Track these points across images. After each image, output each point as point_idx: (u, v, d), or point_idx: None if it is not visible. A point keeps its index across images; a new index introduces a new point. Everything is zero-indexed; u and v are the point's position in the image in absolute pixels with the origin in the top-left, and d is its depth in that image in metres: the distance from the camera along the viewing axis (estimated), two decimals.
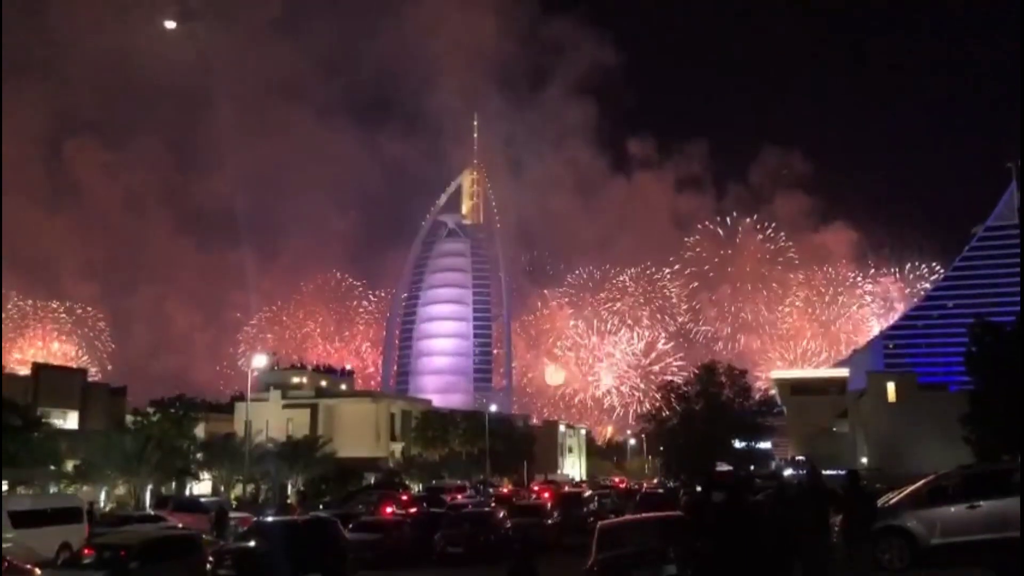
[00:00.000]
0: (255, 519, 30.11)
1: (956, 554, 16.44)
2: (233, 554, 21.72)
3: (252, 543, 22.69)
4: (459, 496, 49.64)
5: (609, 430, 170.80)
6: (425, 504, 42.26)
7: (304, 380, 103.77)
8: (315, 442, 66.76)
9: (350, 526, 27.97)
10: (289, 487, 61.52)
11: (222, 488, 59.73)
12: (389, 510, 37.34)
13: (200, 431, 60.95)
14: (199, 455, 57.14)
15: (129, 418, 55.63)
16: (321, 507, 44.47)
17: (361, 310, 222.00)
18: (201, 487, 60.65)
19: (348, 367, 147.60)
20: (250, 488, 58.67)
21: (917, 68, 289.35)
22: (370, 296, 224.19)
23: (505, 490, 61.47)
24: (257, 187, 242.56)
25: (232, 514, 36.47)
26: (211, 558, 20.99)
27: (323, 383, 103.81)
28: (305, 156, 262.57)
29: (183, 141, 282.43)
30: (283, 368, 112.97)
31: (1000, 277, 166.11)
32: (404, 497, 48.81)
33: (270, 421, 70.79)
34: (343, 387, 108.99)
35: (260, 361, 72.84)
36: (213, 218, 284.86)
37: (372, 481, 65.89)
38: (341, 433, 76.85)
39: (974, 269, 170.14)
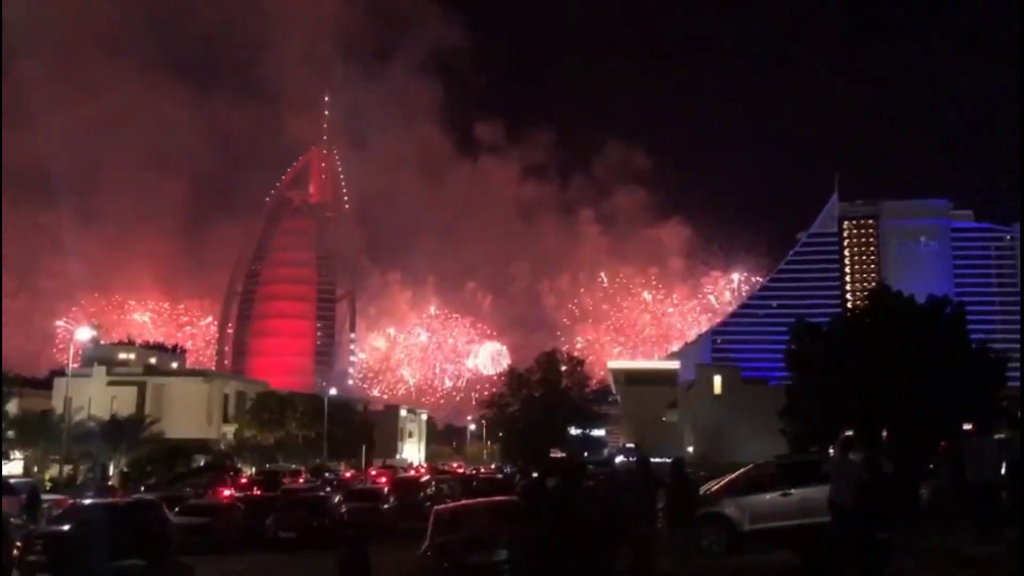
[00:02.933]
0: (71, 501, 28.41)
1: (769, 539, 17.48)
2: (44, 539, 20.37)
3: (66, 527, 21.38)
4: (299, 480, 48.71)
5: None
6: (256, 488, 41.17)
7: (132, 356, 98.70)
8: (141, 421, 63.90)
9: (176, 509, 26.88)
10: (111, 468, 58.57)
11: (35, 468, 56.14)
12: (227, 492, 36.17)
13: (13, 407, 57.08)
14: (10, 432, 53.49)
15: None
16: (143, 489, 42.59)
17: (197, 284, 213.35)
18: (12, 467, 56.75)
19: (180, 344, 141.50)
20: (68, 469, 55.42)
21: (758, 78, 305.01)
22: (207, 270, 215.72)
23: (348, 475, 60.83)
24: (76, 147, 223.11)
25: (46, 496, 34.29)
26: (19, 543, 19.65)
27: (152, 360, 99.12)
28: (129, 116, 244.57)
29: None
30: (109, 343, 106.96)
31: (820, 280, 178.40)
32: (243, 480, 47.47)
33: (93, 398, 67.14)
34: (174, 365, 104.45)
35: (84, 334, 68.63)
36: (25, 177, 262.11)
37: (202, 463, 63.71)
38: (171, 413, 73.88)
39: (797, 272, 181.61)
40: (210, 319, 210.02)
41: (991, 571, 12.86)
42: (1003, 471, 15.46)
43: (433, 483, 44.41)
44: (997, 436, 20.29)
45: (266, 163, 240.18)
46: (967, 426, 23.62)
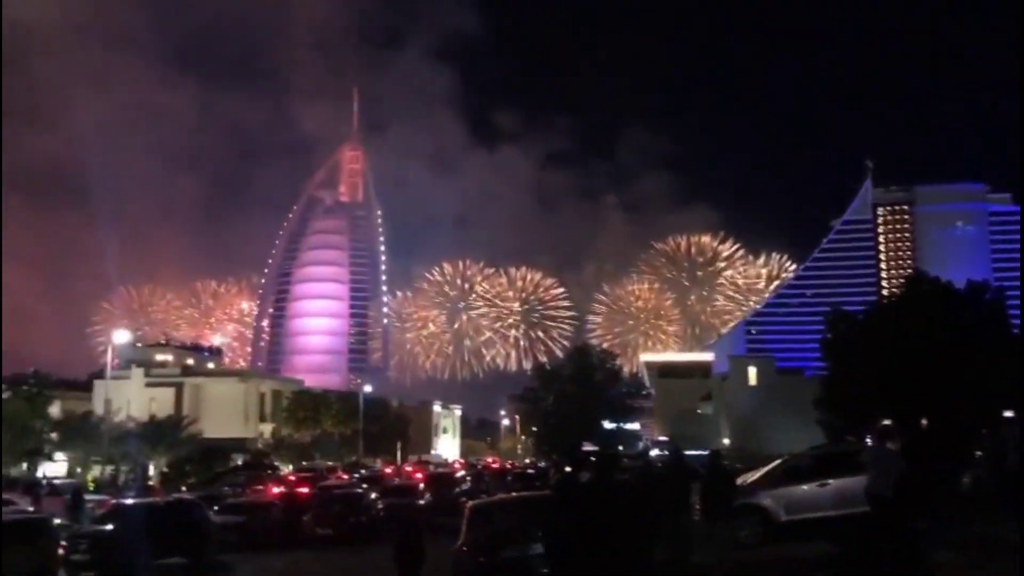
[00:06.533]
0: (114, 502, 28.90)
1: (806, 530, 17.33)
2: (88, 538, 20.79)
3: (109, 527, 21.78)
4: (343, 476, 49.07)
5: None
6: (302, 485, 41.48)
7: (169, 358, 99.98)
8: (180, 422, 64.75)
9: (215, 508, 27.23)
10: (151, 468, 59.42)
11: (78, 469, 57.13)
12: (276, 490, 36.60)
13: (55, 410, 58.08)
14: (53, 435, 54.40)
15: None
16: (184, 488, 43.16)
17: (228, 285, 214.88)
18: (56, 468, 57.78)
19: (216, 345, 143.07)
20: (109, 469, 56.33)
21: (787, 60, 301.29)
22: (237, 272, 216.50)
23: (387, 470, 61.25)
24: (93, 144, 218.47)
25: (89, 497, 34.89)
26: (65, 543, 20.03)
27: (189, 361, 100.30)
28: (142, 114, 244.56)
29: (8, 90, 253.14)
30: (146, 345, 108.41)
31: (855, 268, 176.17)
32: (291, 477, 47.75)
33: (132, 400, 68.18)
34: (211, 366, 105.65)
35: (122, 336, 69.65)
36: (44, 177, 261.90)
37: (240, 462, 64.42)
38: (208, 413, 74.77)
39: (831, 260, 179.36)
40: (247, 306, 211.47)
41: None
42: None
43: (468, 478, 44.59)
44: None
45: (279, 155, 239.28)
46: (1008, 413, 23.27)
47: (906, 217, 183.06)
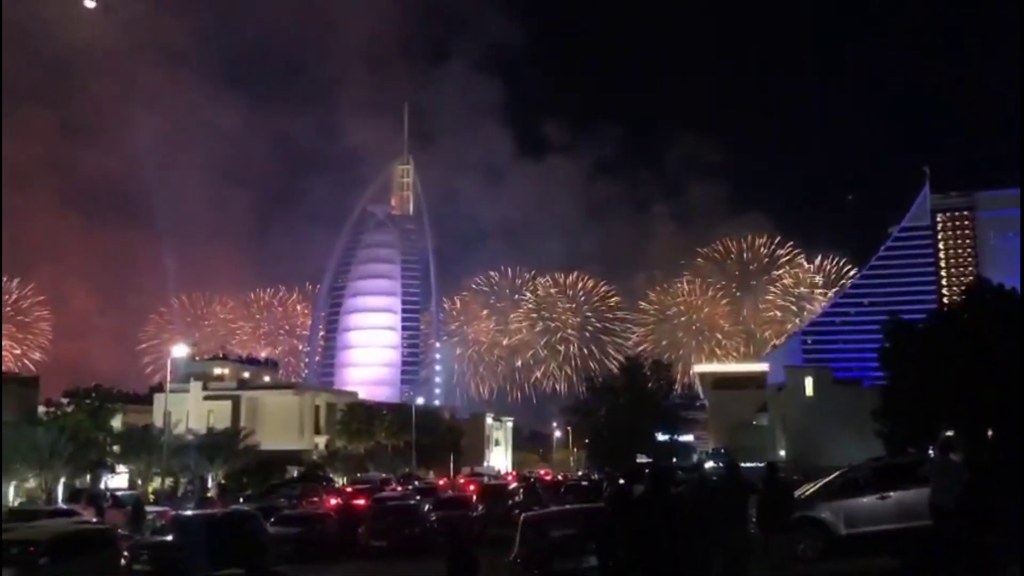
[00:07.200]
0: (173, 513, 29.44)
1: (866, 543, 16.98)
2: (150, 549, 21.22)
3: (169, 537, 22.20)
4: (398, 488, 49.47)
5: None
6: (360, 497, 41.86)
7: (226, 371, 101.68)
8: (237, 434, 65.77)
9: (271, 519, 27.57)
10: (209, 480, 60.42)
11: (139, 481, 58.35)
12: (333, 502, 37.06)
13: (117, 423, 59.40)
14: (115, 447, 55.65)
15: (42, 409, 53.84)
16: (242, 500, 43.79)
17: (281, 299, 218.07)
18: (118, 480, 59.09)
19: (272, 358, 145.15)
20: (169, 481, 57.44)
21: (839, 67, 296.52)
22: (288, 284, 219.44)
23: (441, 482, 61.55)
24: (148, 161, 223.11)
25: (149, 508, 35.60)
26: (127, 553, 20.46)
27: (245, 375, 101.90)
28: (197, 130, 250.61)
29: (65, 110, 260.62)
30: (204, 359, 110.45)
31: (914, 276, 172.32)
32: (348, 489, 48.29)
33: (190, 413, 69.45)
34: (266, 379, 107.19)
35: (180, 351, 70.96)
36: (102, 193, 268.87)
37: (295, 474, 65.16)
38: (264, 425, 75.83)
39: (889, 267, 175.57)
40: (300, 309, 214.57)
41: None
42: None
43: (520, 490, 44.54)
44: None
45: (329, 169, 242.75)
46: None
47: (966, 223, 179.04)
